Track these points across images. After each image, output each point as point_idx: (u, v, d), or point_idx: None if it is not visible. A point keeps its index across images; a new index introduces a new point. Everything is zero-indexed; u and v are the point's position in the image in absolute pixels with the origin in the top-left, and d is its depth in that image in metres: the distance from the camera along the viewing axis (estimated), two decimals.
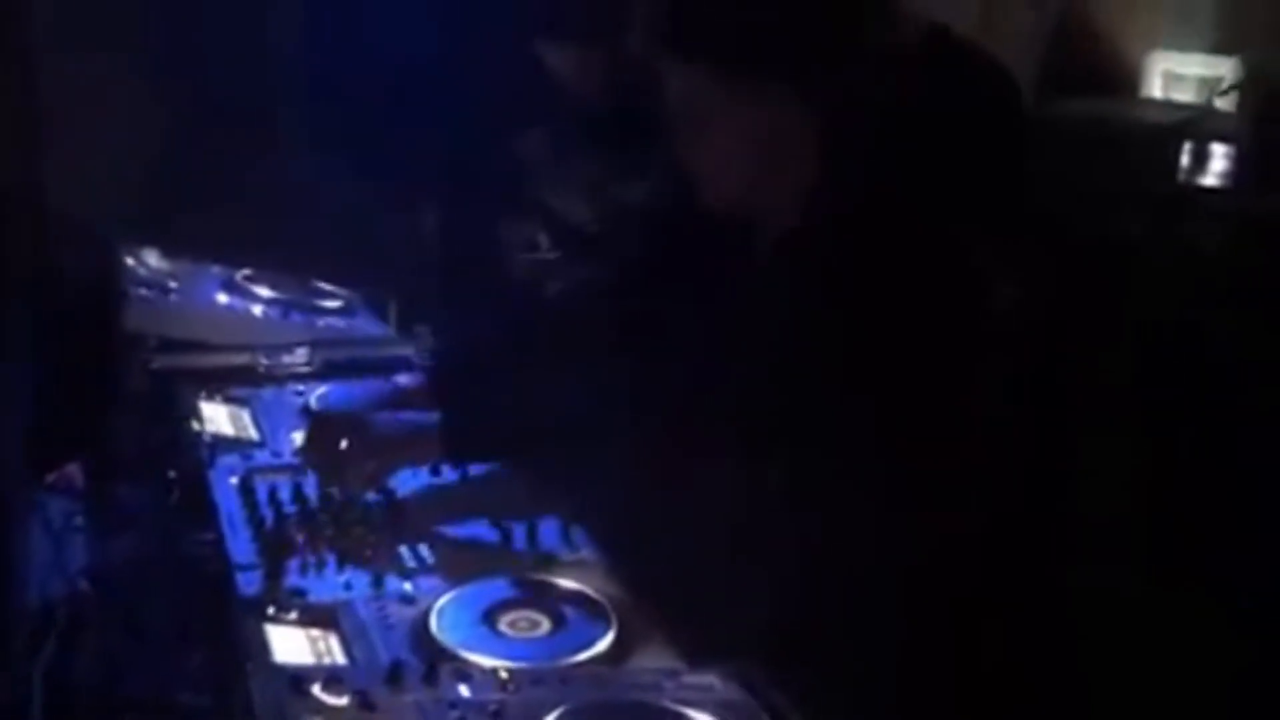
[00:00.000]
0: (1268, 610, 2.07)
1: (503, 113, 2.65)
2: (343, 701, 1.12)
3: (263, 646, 1.28)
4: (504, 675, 1.20)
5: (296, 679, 1.14)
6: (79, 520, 1.60)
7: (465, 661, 1.27)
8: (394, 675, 1.16)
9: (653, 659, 1.32)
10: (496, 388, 1.71)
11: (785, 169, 1.52)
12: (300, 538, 1.52)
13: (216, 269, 2.43)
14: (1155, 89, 2.79)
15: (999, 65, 1.86)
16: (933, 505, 1.46)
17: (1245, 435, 2.13)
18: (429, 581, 1.45)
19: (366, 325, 2.37)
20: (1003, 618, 1.53)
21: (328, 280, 2.51)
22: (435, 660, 1.22)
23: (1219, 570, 2.08)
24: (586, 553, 1.54)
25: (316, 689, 1.13)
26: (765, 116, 1.49)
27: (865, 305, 1.45)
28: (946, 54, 2.05)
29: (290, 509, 1.60)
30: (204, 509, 1.62)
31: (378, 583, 1.43)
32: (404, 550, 1.52)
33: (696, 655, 1.33)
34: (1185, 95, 2.71)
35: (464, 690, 1.16)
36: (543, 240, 2.42)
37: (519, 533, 1.56)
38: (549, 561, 1.51)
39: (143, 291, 2.18)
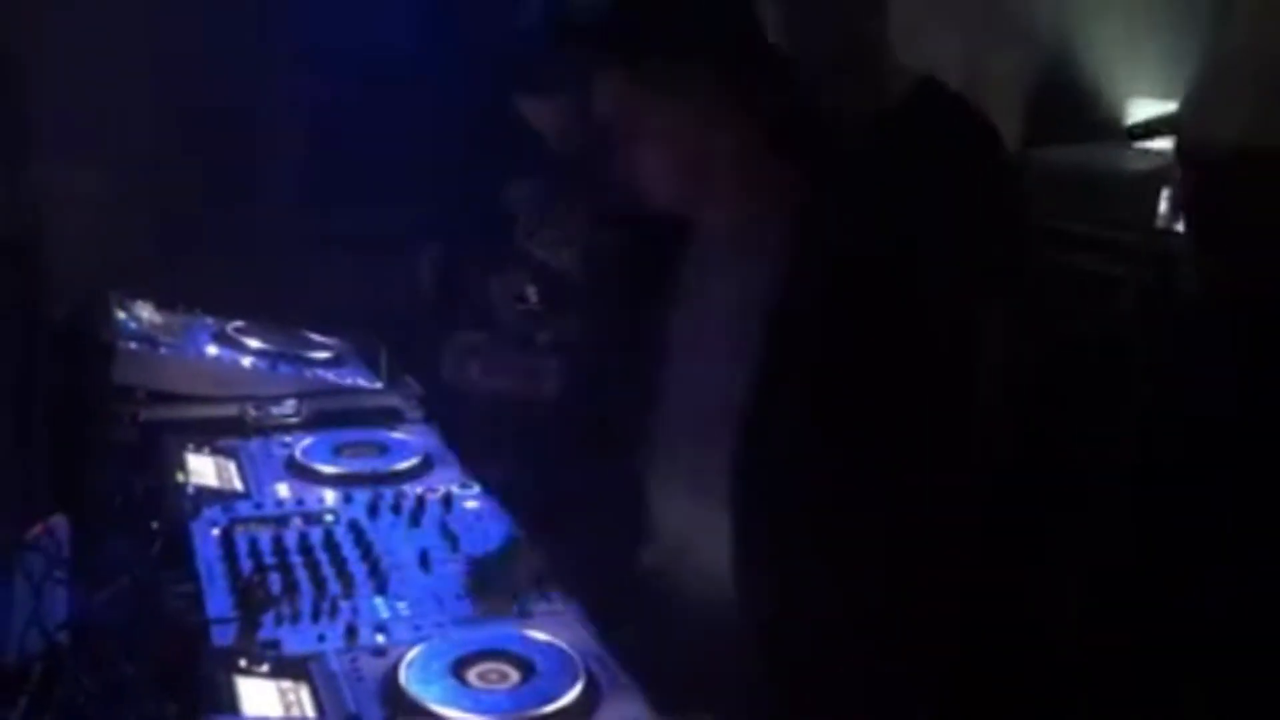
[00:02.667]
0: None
1: (490, 166, 2.70)
2: None
3: (232, 699, 1.29)
4: None
5: None
6: (60, 573, 1.60)
7: (432, 714, 1.29)
8: None
9: (621, 711, 1.33)
10: None
11: (720, 172, 1.53)
12: (277, 589, 1.54)
13: (208, 321, 2.46)
14: None
15: (983, 119, 1.89)
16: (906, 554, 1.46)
17: (1217, 475, 2.13)
18: (402, 633, 1.46)
19: (356, 376, 2.39)
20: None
21: (318, 331, 2.54)
22: (399, 713, 1.23)
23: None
24: (561, 604, 1.55)
25: None
26: (699, 117, 1.50)
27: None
28: (931, 105, 2.09)
29: (270, 560, 1.62)
30: (185, 561, 1.64)
31: (350, 635, 1.45)
32: (379, 602, 1.53)
33: (665, 707, 1.34)
34: (1165, 142, 2.74)
35: None
36: (530, 291, 2.45)
37: None
38: (523, 613, 1.53)
39: (132, 344, 2.20)
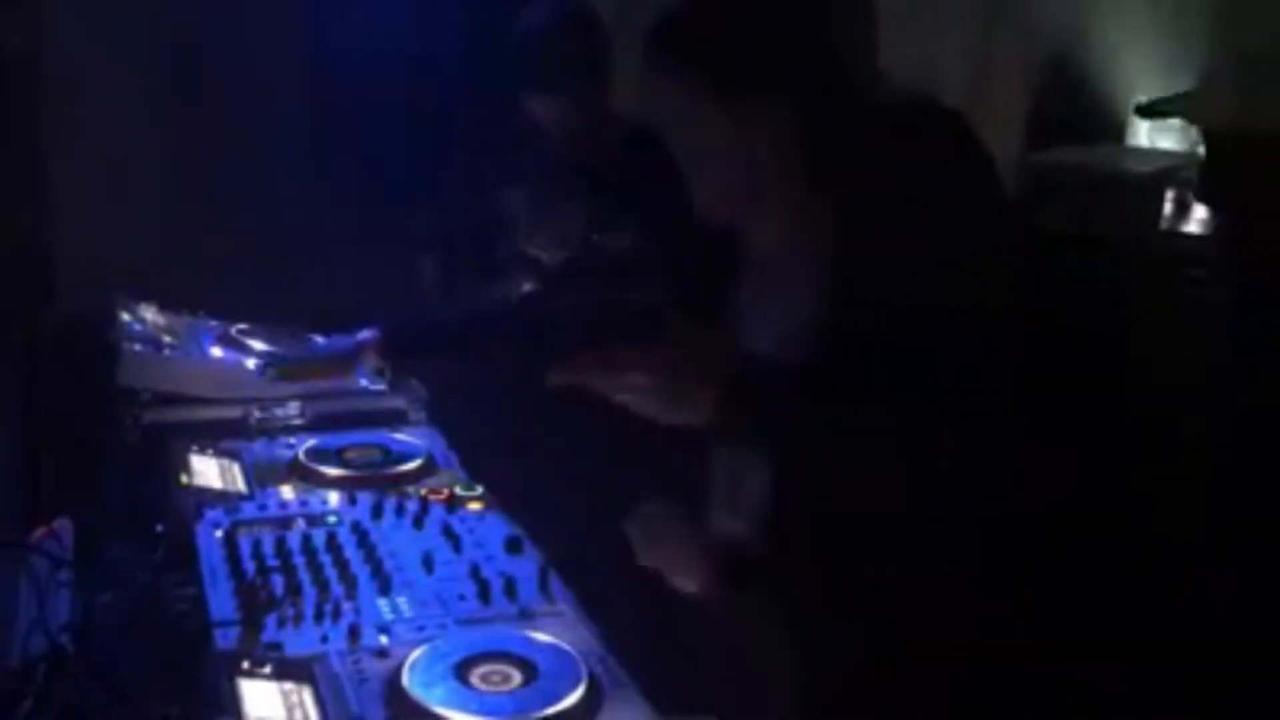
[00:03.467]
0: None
1: (492, 167, 2.71)
2: None
3: (235, 701, 1.29)
4: None
5: None
6: (64, 575, 1.60)
7: (435, 716, 1.29)
8: None
9: (624, 712, 1.33)
10: None
11: (769, 187, 1.53)
12: (279, 591, 1.54)
13: (212, 323, 2.47)
14: (1140, 138, 2.81)
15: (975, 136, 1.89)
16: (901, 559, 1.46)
17: (1215, 473, 2.13)
18: (405, 635, 1.46)
19: (360, 377, 2.39)
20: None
21: (322, 333, 2.54)
22: (402, 715, 1.23)
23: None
24: (563, 605, 1.55)
25: None
26: (747, 135, 1.49)
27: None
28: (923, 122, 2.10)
29: (273, 562, 1.62)
30: (188, 563, 1.64)
31: (353, 636, 1.45)
32: (382, 604, 1.53)
33: (668, 708, 1.34)
34: (1169, 144, 2.74)
35: None
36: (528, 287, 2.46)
37: (497, 586, 1.57)
38: (526, 615, 1.53)
39: (136, 347, 2.20)
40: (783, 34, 1.50)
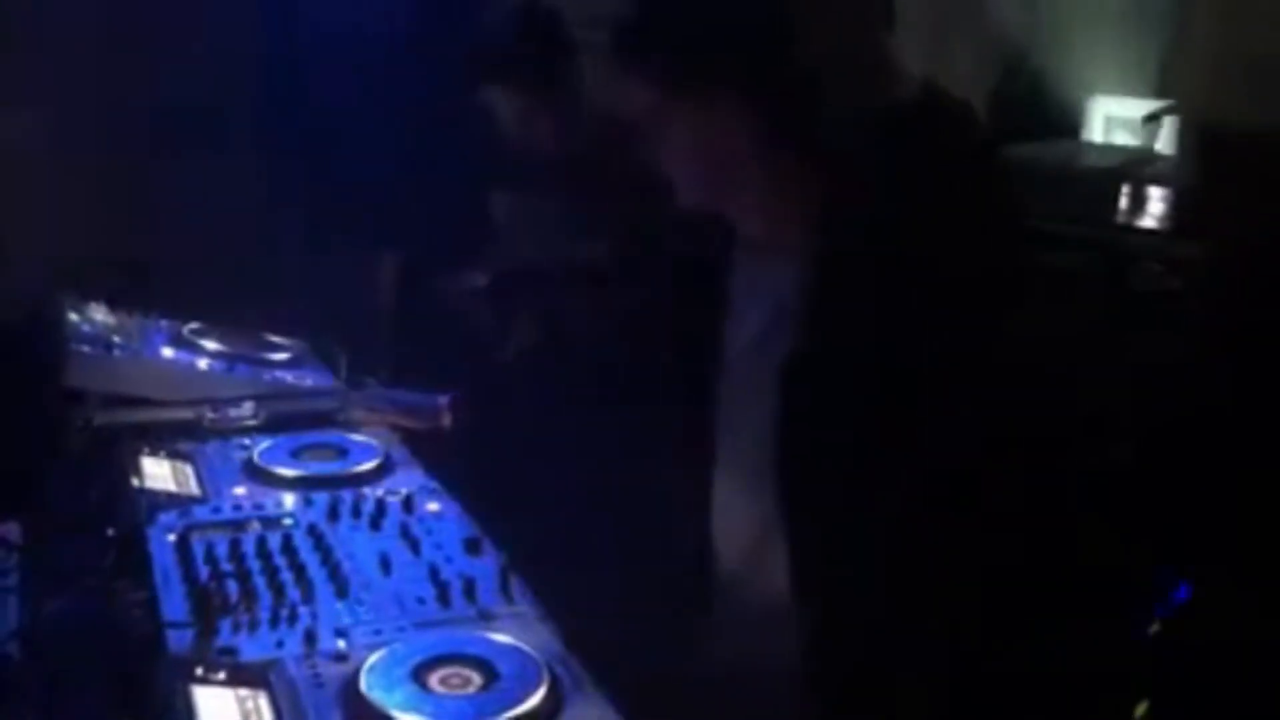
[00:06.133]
0: None
1: (459, 165, 2.68)
2: None
3: (188, 708, 1.26)
4: None
5: None
6: (12, 581, 1.57)
7: None
8: None
9: (586, 714, 1.32)
10: None
11: (740, 177, 1.58)
12: (234, 595, 1.51)
13: (164, 323, 2.43)
14: (1096, 132, 2.83)
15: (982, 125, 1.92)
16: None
17: (1170, 472, 2.14)
18: (362, 639, 1.44)
19: (315, 377, 2.36)
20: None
21: (277, 332, 2.51)
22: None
23: None
24: (524, 606, 1.53)
25: None
26: (714, 126, 1.54)
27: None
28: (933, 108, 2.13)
29: (227, 566, 1.59)
30: (140, 568, 1.61)
31: (310, 641, 1.42)
32: (339, 607, 1.51)
33: (630, 711, 1.33)
34: (1125, 139, 2.75)
35: None
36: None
37: (456, 587, 1.55)
38: (486, 616, 1.51)
39: (85, 348, 2.16)
40: (735, 28, 1.52)
